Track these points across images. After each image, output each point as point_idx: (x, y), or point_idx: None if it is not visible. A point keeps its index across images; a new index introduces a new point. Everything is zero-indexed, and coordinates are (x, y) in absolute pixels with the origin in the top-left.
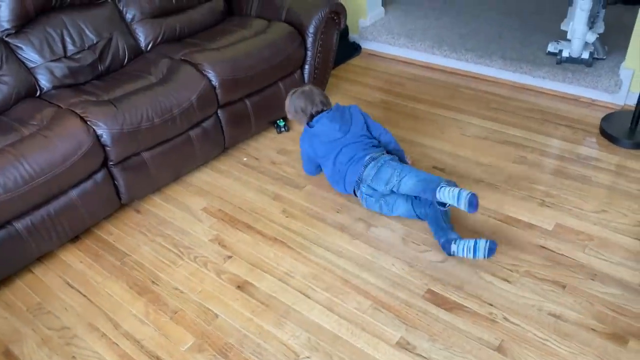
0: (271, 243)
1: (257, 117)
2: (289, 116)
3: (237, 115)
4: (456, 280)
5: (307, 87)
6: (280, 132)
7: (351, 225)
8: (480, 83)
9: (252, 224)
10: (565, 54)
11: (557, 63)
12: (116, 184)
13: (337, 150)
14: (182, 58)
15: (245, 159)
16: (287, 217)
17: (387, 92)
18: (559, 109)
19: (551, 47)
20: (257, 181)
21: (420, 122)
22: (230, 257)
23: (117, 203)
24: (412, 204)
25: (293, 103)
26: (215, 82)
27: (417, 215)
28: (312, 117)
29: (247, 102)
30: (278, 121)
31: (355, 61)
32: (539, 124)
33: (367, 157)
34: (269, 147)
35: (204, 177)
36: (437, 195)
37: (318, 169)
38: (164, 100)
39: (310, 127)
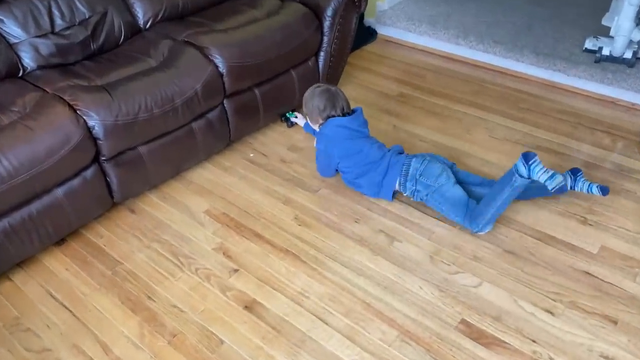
0: (282, 255)
1: (266, 109)
2: (304, 109)
3: (245, 106)
4: (493, 309)
5: (333, 88)
6: (290, 125)
7: (372, 238)
8: (508, 79)
9: (261, 231)
10: (605, 52)
11: (596, 62)
12: (108, 180)
13: (361, 150)
14: (186, 39)
15: (251, 154)
16: (299, 225)
17: (406, 83)
18: (595, 113)
19: (589, 44)
20: (265, 181)
21: (444, 120)
22: (236, 270)
23: (109, 202)
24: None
25: (313, 99)
26: (222, 68)
27: (467, 203)
28: (327, 119)
29: (257, 91)
30: (288, 113)
31: (370, 47)
32: (573, 128)
33: (403, 155)
34: (278, 142)
35: (206, 174)
36: (528, 169)
37: (335, 170)
38: (164, 88)
39: (323, 129)
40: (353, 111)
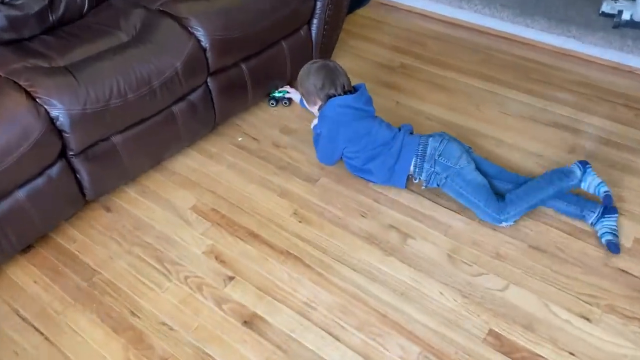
0: (283, 259)
1: (254, 86)
2: (300, 89)
3: (232, 84)
4: (523, 316)
5: (331, 63)
6: (286, 103)
7: (382, 236)
8: (516, 46)
9: (257, 230)
10: (625, 16)
11: (614, 27)
12: (78, 177)
13: (369, 132)
14: (161, 8)
15: (240, 138)
16: (299, 221)
17: (405, 52)
18: (613, 84)
19: (606, 7)
20: (258, 170)
21: (451, 95)
22: (232, 278)
23: (80, 200)
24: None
25: (309, 77)
26: (205, 42)
27: (489, 189)
28: (327, 99)
29: (244, 67)
30: (275, 92)
31: (363, 12)
32: (591, 102)
33: (418, 134)
34: (269, 123)
35: (189, 162)
36: (583, 172)
37: (339, 157)
38: (139, 68)
39: (325, 111)
40: (355, 88)
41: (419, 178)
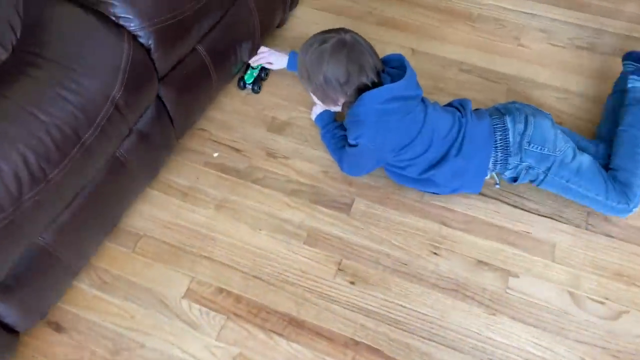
0: (352, 356)
1: (218, 66)
2: (309, 87)
3: (189, 80)
4: None
5: (347, 35)
6: (250, 87)
7: (472, 282)
8: None
9: (296, 313)
10: None
11: None
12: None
13: (422, 128)
14: None
15: (216, 154)
16: (351, 282)
17: None
18: None
19: None
20: (260, 204)
21: (475, 26)
22: None
23: (13, 337)
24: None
25: (323, 66)
26: (145, 37)
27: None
28: (358, 94)
29: (200, 48)
30: (247, 74)
31: None
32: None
33: (485, 115)
34: (248, 117)
35: (156, 211)
36: None
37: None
38: (55, 121)
39: (360, 114)
40: (386, 62)
41: (501, 178)
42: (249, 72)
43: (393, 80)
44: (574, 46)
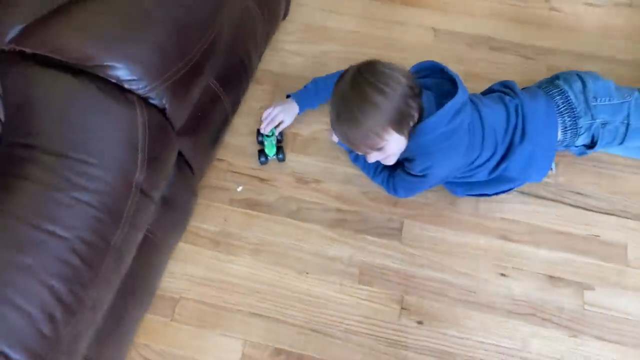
0: None
1: (228, 92)
2: (346, 140)
3: (204, 117)
4: None
5: (378, 65)
6: (275, 158)
7: (547, 302)
8: None
9: None
10: None
11: None
12: None
13: (483, 132)
14: (23, 50)
15: (239, 188)
16: (419, 322)
17: None
18: None
19: None
20: (300, 242)
21: None
22: None
23: None
24: None
25: (368, 116)
26: (158, 97)
27: None
28: (413, 129)
29: (213, 81)
30: (265, 145)
31: None
32: None
33: (532, 89)
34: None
35: (189, 268)
36: None
37: None
38: (73, 228)
39: (423, 144)
40: (419, 75)
41: (573, 146)
42: (266, 143)
43: (435, 93)
44: (613, 3)
